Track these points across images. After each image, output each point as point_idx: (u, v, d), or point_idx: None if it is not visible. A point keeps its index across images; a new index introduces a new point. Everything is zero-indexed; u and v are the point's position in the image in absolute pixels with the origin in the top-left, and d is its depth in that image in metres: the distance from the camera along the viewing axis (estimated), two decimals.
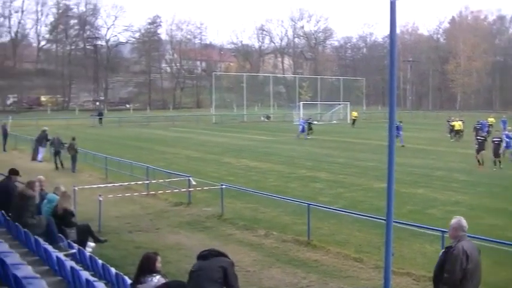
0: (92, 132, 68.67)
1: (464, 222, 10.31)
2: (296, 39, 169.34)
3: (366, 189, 28.61)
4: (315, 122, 55.97)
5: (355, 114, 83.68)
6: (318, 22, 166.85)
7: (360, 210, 21.43)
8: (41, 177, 18.43)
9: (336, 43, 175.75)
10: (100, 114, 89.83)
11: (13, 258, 9.17)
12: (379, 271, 15.17)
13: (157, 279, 9.59)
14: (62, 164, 37.10)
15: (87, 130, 71.55)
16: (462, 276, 10.00)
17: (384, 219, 7.45)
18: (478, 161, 36.34)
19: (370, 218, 18.90)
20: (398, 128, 48.65)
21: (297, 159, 40.49)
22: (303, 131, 59.03)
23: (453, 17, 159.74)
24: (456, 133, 55.51)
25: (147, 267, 9.77)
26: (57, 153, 37.34)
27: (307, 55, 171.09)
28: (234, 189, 25.57)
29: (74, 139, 37.12)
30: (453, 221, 10.43)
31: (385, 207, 7.03)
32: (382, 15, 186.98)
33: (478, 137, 38.45)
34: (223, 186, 24.19)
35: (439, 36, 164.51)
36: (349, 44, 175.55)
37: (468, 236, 10.42)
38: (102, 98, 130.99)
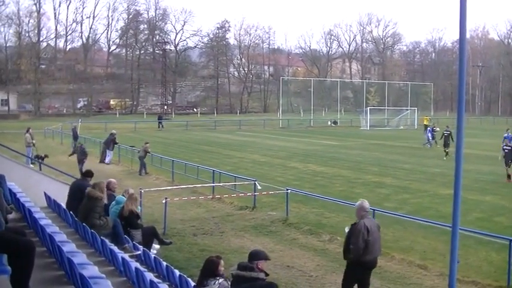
0: (159, 135, 69.36)
1: (366, 204, 13.22)
2: (364, 44, 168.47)
3: (431, 195, 28.19)
4: (438, 129, 53.49)
5: (427, 120, 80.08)
6: (386, 27, 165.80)
7: (425, 217, 21.14)
8: (113, 179, 18.76)
9: (405, 48, 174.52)
10: (160, 118, 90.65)
11: (80, 258, 9.33)
12: (444, 278, 15.00)
13: (219, 282, 9.65)
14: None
15: (154, 133, 72.40)
16: (364, 246, 12.71)
17: (450, 226, 7.33)
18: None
19: (436, 225, 18.65)
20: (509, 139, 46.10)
21: (363, 165, 40.18)
22: (433, 138, 56.82)
23: None
24: None
25: (210, 270, 9.83)
26: (80, 162, 36.07)
27: (375, 60, 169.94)
28: (300, 193, 25.52)
29: (146, 143, 37.71)
30: (357, 203, 13.43)
31: (451, 214, 6.92)
32: (451, 20, 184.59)
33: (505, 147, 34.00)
34: (289, 190, 24.19)
35: (510, 40, 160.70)
36: (417, 49, 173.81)
37: None
38: (170, 101, 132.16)
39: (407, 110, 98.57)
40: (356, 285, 13.28)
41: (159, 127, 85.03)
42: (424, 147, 54.30)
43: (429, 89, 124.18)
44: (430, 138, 55.43)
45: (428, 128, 58.68)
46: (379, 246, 13.23)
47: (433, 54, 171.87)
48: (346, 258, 13.30)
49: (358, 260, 12.84)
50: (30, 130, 41.52)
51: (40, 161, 36.07)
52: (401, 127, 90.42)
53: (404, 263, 17.12)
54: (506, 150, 33.19)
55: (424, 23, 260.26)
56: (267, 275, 10.03)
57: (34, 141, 40.86)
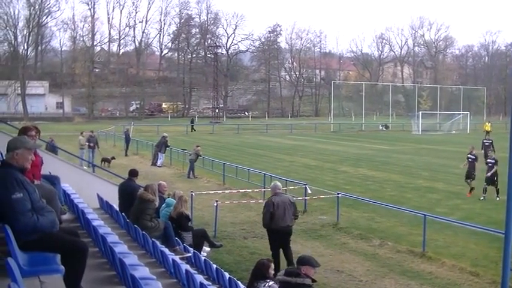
0: (210, 138, 69.68)
1: (273, 185, 17.42)
2: (416, 48, 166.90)
3: (484, 201, 27.81)
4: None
5: (488, 126, 74.54)
6: (438, 30, 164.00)
7: (477, 223, 20.82)
8: (162, 182, 18.90)
9: (457, 52, 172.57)
10: (192, 121, 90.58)
11: (131, 259, 9.40)
12: (496, 286, 14.76)
13: (269, 285, 9.67)
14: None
15: (205, 137, 72.66)
16: (271, 218, 16.35)
17: (503, 233, 7.26)
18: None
19: (488, 231, 18.37)
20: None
21: (414, 169, 39.84)
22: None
23: None
24: None
25: (260, 273, 9.88)
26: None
27: (427, 64, 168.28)
28: (350, 198, 25.39)
29: (198, 146, 37.88)
30: (272, 184, 18.13)
31: (503, 220, 6.84)
32: (505, 23, 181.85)
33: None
34: (339, 195, 24.10)
35: None
36: (470, 52, 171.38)
37: None
38: (222, 105, 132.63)
39: (459, 114, 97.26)
40: (280, 249, 16.75)
41: (191, 130, 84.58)
42: None
43: (482, 93, 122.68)
44: None
45: None
46: (286, 218, 16.49)
47: (486, 57, 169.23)
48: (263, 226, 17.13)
49: (269, 228, 16.69)
50: (83, 133, 41.97)
51: (108, 163, 37.60)
52: (454, 132, 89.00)
53: (455, 269, 16.89)
54: (470, 160, 31.29)
55: (477, 26, 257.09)
56: (314, 281, 10.00)
57: (93, 145, 41.51)
